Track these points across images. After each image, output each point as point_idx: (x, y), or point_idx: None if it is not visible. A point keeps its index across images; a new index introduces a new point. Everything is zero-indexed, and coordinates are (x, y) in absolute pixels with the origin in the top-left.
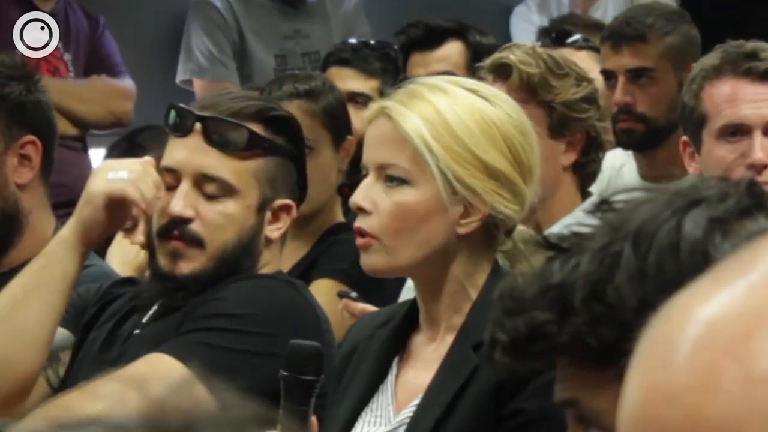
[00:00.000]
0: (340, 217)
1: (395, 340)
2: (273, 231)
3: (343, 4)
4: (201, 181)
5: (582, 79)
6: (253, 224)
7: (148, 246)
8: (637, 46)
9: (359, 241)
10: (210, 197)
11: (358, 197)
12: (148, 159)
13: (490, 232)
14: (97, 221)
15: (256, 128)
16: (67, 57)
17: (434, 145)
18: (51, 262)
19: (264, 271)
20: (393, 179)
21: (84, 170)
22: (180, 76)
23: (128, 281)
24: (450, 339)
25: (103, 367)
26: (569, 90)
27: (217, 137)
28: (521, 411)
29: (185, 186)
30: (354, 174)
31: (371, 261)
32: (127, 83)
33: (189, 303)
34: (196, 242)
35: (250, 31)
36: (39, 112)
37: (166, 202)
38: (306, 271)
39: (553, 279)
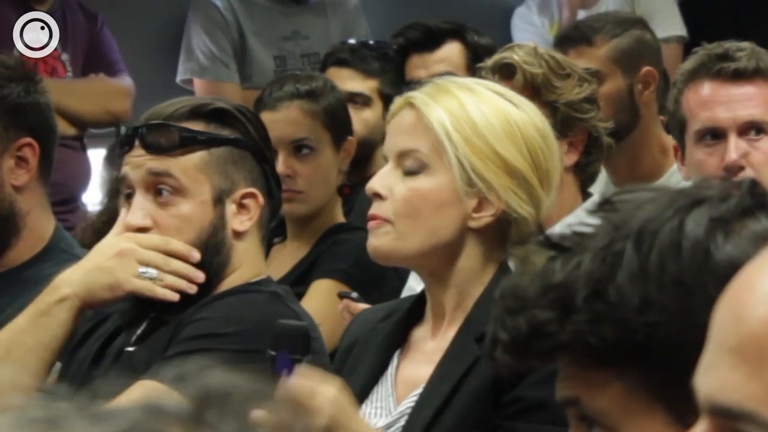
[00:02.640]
0: (340, 218)
1: (397, 333)
2: (242, 223)
3: (342, 5)
4: (151, 183)
5: (583, 79)
6: (212, 219)
7: None
8: (582, 49)
9: (370, 223)
10: (163, 203)
11: (374, 183)
12: (175, 244)
13: (503, 231)
14: (107, 303)
15: (196, 125)
16: (64, 57)
17: (454, 134)
18: (52, 323)
19: (244, 269)
20: (411, 166)
21: (83, 169)
22: (180, 75)
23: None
24: (452, 333)
25: (92, 384)
26: (572, 90)
27: (152, 143)
28: (521, 398)
29: (139, 197)
30: (354, 174)
31: (379, 242)
32: (126, 82)
33: (176, 318)
34: None
35: (250, 31)
36: (37, 114)
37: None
38: (306, 271)
39: (554, 278)
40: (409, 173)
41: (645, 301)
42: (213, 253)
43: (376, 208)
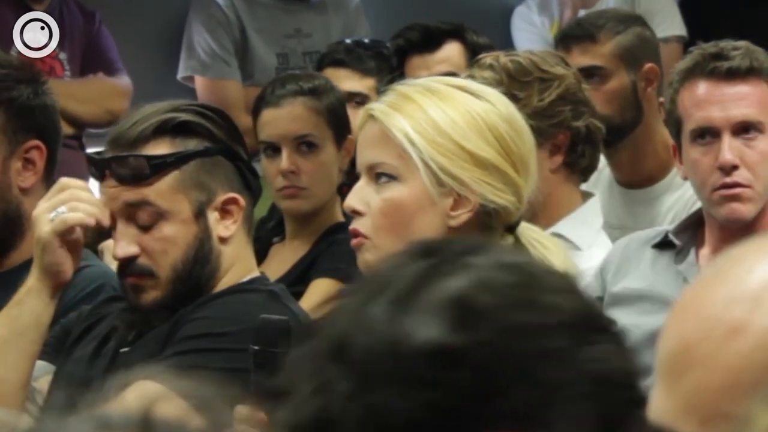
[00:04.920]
0: (340, 217)
1: None
2: (226, 228)
3: (343, 4)
4: (130, 212)
5: (550, 79)
6: (196, 233)
7: (119, 281)
8: (586, 46)
9: (353, 242)
10: (145, 227)
11: (351, 200)
12: (77, 183)
13: (486, 224)
14: (60, 264)
15: (162, 146)
16: (62, 56)
17: (416, 138)
18: (23, 312)
19: (234, 270)
20: (382, 177)
21: (82, 168)
22: (181, 73)
23: (114, 299)
24: None
25: (88, 385)
26: (533, 98)
27: (124, 175)
28: None
29: (120, 226)
30: (354, 175)
31: (364, 260)
32: (124, 81)
33: (171, 320)
34: (148, 274)
35: (251, 28)
36: (45, 116)
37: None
38: (305, 270)
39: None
40: (382, 184)
41: (366, 419)
42: (201, 264)
43: (356, 223)
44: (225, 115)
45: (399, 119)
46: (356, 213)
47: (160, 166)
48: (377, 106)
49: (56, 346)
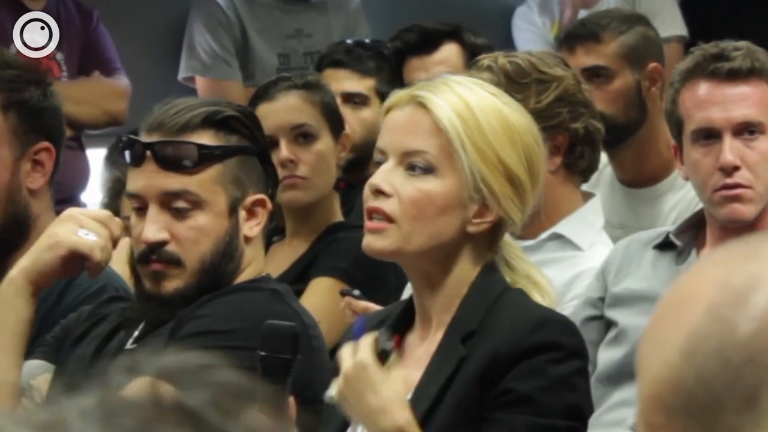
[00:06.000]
0: (339, 216)
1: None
2: (251, 228)
3: (344, 4)
4: (167, 200)
5: (548, 81)
6: (228, 228)
7: (132, 270)
8: (590, 45)
9: (371, 225)
10: (179, 214)
11: (378, 179)
12: (116, 222)
13: (495, 236)
14: (52, 268)
15: (207, 137)
16: (59, 56)
17: (466, 141)
18: (3, 306)
19: (248, 270)
20: (417, 167)
21: (81, 169)
22: (182, 73)
23: (115, 299)
24: (440, 335)
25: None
26: (531, 100)
27: (168, 160)
28: (509, 390)
29: (153, 210)
30: (354, 174)
31: (380, 244)
32: (122, 81)
33: (177, 317)
34: (175, 262)
35: (252, 29)
36: (53, 117)
37: (140, 229)
38: (305, 269)
39: None
40: (415, 173)
41: None
42: (227, 260)
43: (379, 203)
44: (257, 118)
45: (451, 115)
46: (380, 193)
47: (208, 157)
48: (427, 95)
49: (56, 345)
